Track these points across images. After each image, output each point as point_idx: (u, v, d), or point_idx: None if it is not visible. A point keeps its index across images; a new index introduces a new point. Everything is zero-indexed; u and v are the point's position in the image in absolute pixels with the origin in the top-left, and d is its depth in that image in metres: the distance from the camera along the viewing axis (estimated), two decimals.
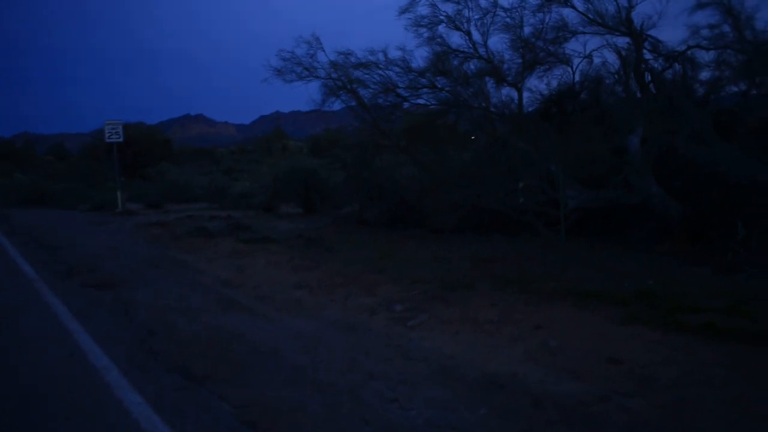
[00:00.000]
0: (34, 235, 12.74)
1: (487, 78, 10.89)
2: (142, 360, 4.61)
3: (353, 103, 10.61)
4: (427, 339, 5.23)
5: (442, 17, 10.29)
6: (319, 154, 33.75)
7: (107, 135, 18.67)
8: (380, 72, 10.44)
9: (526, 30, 10.24)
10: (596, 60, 10.47)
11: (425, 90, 10.59)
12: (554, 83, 10.90)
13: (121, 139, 18.81)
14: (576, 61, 10.49)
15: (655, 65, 9.86)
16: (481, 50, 10.39)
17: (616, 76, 10.12)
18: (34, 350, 4.89)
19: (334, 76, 10.42)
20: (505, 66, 10.34)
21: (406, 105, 10.64)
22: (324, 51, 10.84)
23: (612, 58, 10.30)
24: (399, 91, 10.59)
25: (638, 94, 9.71)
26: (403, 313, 5.92)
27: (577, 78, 10.59)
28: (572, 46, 10.62)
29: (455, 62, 10.39)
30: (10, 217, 17.56)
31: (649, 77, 9.74)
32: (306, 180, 14.14)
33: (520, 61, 10.34)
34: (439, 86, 10.47)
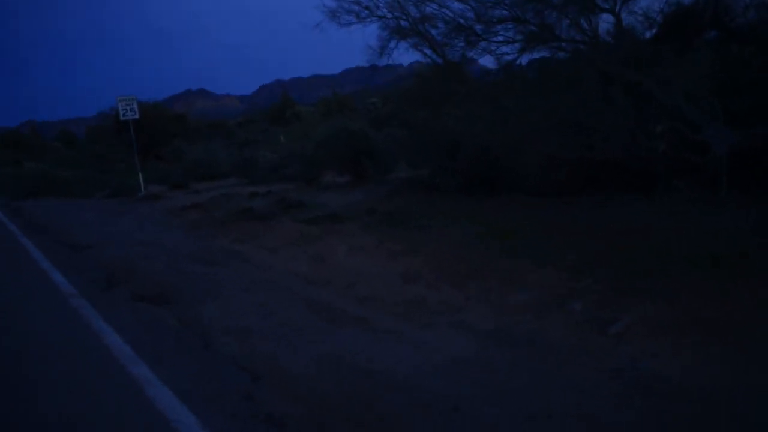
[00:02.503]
0: (55, 230, 11.13)
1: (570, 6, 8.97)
2: None
3: (418, 47, 8.75)
4: (657, 357, 3.55)
5: None
6: (330, 117, 31.79)
7: (122, 112, 16.87)
8: (451, 5, 8.54)
9: None
10: None
11: (508, 25, 8.69)
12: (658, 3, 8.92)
13: (137, 116, 17.03)
14: None
15: None
16: None
17: None
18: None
19: (397, 14, 8.55)
20: None
21: (482, 44, 8.75)
22: None
23: None
24: (476, 27, 8.69)
25: None
26: (590, 314, 4.24)
27: None
28: None
29: None
30: (24, 210, 15.98)
31: None
32: (355, 143, 12.33)
33: None
34: (526, 18, 8.55)
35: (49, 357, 4.31)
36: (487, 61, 9.27)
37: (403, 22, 8.61)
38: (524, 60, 9.02)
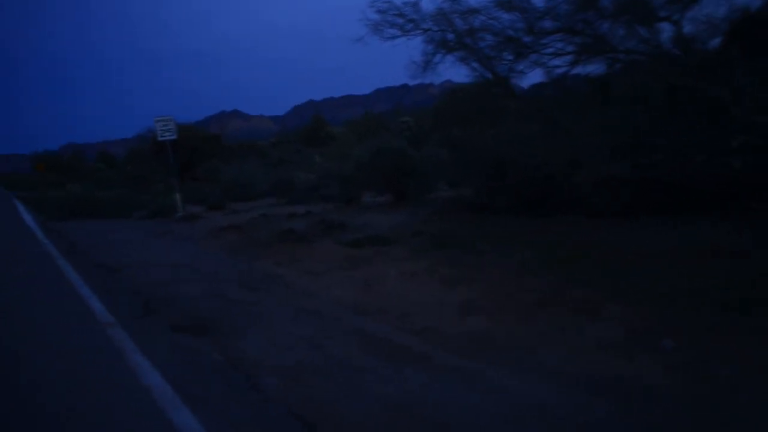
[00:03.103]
0: (94, 253, 10.96)
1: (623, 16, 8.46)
2: None
3: (465, 61, 8.32)
4: None
5: None
6: (363, 137, 31.56)
7: (160, 133, 16.84)
8: (500, 16, 8.12)
9: None
10: None
11: (559, 36, 8.23)
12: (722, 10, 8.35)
13: (174, 137, 16.95)
14: None
15: None
16: None
17: None
18: None
19: (443, 27, 8.16)
20: None
21: (533, 57, 8.29)
22: None
23: None
24: (525, 39, 8.24)
25: None
26: (686, 356, 3.69)
27: None
28: None
29: None
30: (66, 232, 16.00)
31: None
32: (396, 163, 11.94)
33: None
34: (579, 28, 8.09)
35: (86, 397, 3.94)
36: (537, 76, 8.79)
37: (449, 35, 8.22)
38: (577, 72, 8.55)
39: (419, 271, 6.52)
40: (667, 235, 6.49)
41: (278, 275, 7.49)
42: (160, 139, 17.04)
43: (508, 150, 8.78)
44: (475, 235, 7.77)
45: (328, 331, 5.06)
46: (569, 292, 5.04)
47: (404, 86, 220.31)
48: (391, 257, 7.35)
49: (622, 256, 5.80)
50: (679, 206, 7.21)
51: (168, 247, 10.94)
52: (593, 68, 8.37)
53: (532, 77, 8.72)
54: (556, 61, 8.43)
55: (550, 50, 8.30)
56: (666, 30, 7.80)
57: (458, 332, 4.73)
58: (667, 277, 4.97)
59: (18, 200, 29.08)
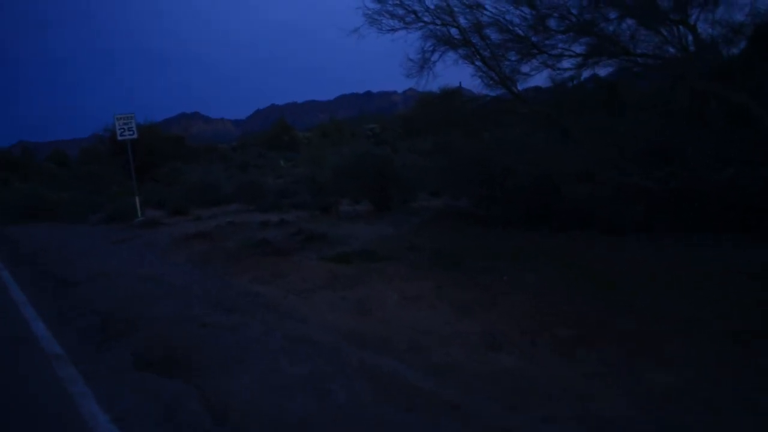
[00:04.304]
0: (44, 262, 9.82)
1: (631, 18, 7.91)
2: None
3: (469, 59, 7.62)
4: None
5: None
6: (330, 142, 30.76)
7: (119, 132, 15.63)
8: (508, 10, 7.45)
9: None
10: None
11: (569, 35, 7.59)
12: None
13: (135, 135, 15.77)
14: None
15: None
16: None
17: None
18: None
19: (447, 20, 7.43)
20: None
21: (542, 58, 7.63)
22: None
23: None
24: (534, 39, 7.59)
25: None
26: None
27: None
28: None
29: None
30: (9, 236, 14.65)
31: None
32: (380, 170, 11.14)
33: None
34: (592, 27, 7.47)
35: None
36: (542, 79, 8.15)
37: (453, 30, 7.49)
38: (588, 75, 7.94)
39: (424, 293, 5.73)
40: (698, 253, 5.89)
41: (258, 293, 6.59)
42: (119, 138, 15.85)
43: (509, 158, 8.10)
44: (478, 251, 7.04)
45: (328, 369, 4.22)
46: (613, 321, 4.33)
47: (367, 93, 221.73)
48: (386, 276, 6.54)
49: (658, 277, 5.14)
50: (700, 221, 6.64)
51: (129, 258, 9.87)
52: (606, 71, 7.77)
53: (537, 80, 8.01)
54: (566, 63, 7.78)
55: (559, 51, 7.65)
56: (685, 33, 7.23)
57: (487, 372, 3.96)
58: (724, 304, 4.31)
59: None
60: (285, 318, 5.61)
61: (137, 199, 15.83)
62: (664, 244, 6.32)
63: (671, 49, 6.83)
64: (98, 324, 5.67)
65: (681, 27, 7.73)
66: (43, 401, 3.84)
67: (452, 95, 10.13)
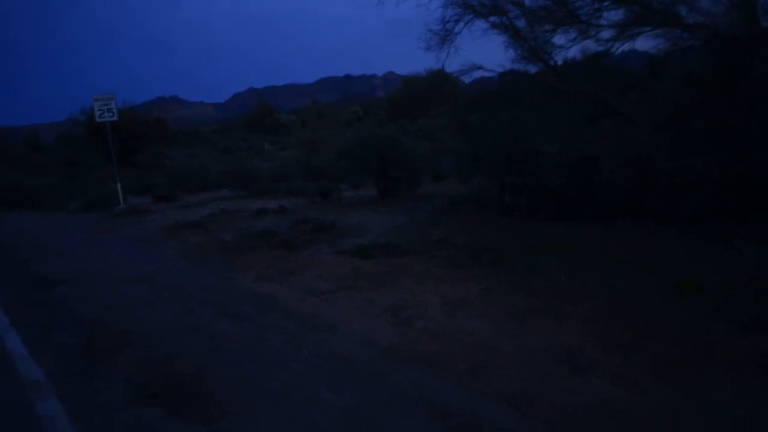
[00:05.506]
0: (20, 259, 8.82)
1: None
2: None
3: (499, 28, 6.75)
4: None
5: None
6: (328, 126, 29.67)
7: (98, 113, 14.53)
8: None
9: None
10: None
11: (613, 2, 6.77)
12: None
13: (115, 117, 14.67)
14: None
15: None
16: None
17: None
18: None
19: None
20: None
21: (580, 27, 6.79)
22: None
23: None
24: (573, 4, 6.75)
25: None
26: None
27: None
28: None
29: None
30: None
31: None
32: (386, 153, 10.26)
33: None
34: None
35: None
36: (575, 51, 7.32)
37: None
38: (627, 47, 7.11)
39: (468, 296, 4.92)
40: (754, 243, 5.15)
41: (269, 295, 5.73)
42: (98, 120, 14.75)
43: (539, 140, 7.28)
44: (513, 245, 6.24)
45: (373, 397, 3.40)
46: (726, 339, 3.56)
47: (347, 76, 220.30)
48: (417, 274, 5.72)
49: (712, 270, 4.39)
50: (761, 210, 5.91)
51: (115, 252, 8.92)
52: (650, 45, 6.95)
53: (572, 53, 7.18)
54: (605, 34, 6.96)
55: (601, 21, 6.81)
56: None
57: (580, 406, 3.17)
58: None
59: None
60: (306, 328, 4.76)
61: (119, 186, 14.79)
62: (730, 233, 5.56)
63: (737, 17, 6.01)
64: (84, 337, 4.78)
65: None
66: None
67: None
